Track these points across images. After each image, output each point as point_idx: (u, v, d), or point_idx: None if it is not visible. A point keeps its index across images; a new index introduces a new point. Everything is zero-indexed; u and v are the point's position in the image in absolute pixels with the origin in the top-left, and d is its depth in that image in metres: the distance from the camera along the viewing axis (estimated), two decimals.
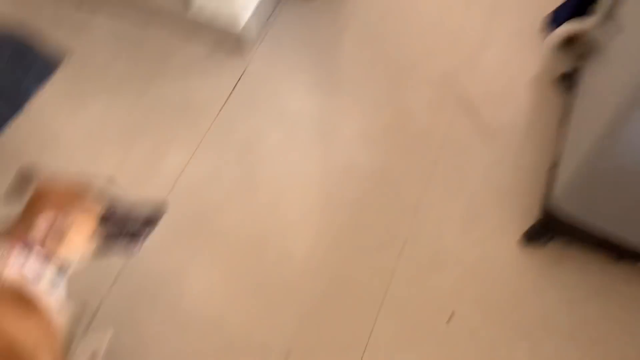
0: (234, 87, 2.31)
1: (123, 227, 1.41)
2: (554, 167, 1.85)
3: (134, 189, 1.88)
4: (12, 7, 2.54)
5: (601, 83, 1.72)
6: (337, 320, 1.81)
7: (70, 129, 2.20)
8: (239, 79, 2.33)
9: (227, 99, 2.28)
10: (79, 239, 1.35)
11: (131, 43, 2.42)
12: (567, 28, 2.19)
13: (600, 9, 2.02)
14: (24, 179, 1.39)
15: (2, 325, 1.21)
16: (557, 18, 2.31)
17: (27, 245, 1.28)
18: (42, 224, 1.28)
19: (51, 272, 1.31)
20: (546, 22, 2.38)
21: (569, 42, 2.22)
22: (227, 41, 2.34)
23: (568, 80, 2.17)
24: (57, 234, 1.30)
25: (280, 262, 1.93)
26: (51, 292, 1.31)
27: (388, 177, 2.09)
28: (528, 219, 1.95)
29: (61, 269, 1.34)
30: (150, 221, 1.44)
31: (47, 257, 1.30)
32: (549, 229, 1.84)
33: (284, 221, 2.01)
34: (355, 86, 2.30)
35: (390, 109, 2.24)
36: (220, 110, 2.25)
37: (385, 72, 2.33)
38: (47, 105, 2.28)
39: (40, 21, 2.48)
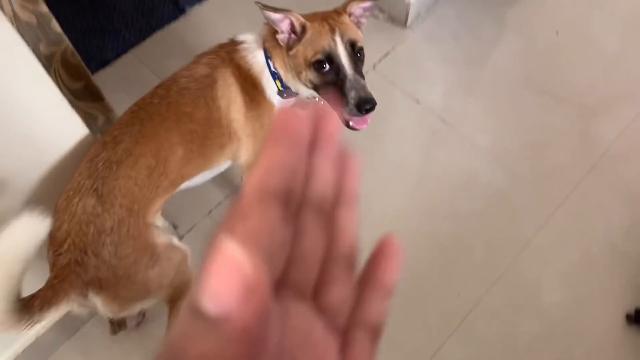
0: (382, 58, 2.24)
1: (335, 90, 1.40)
2: None
3: None
4: None
5: None
6: (408, 327, 1.77)
7: None
8: (388, 52, 2.25)
9: (371, 68, 2.21)
10: (299, 62, 1.40)
11: None
12: None
13: None
14: None
15: (224, 102, 1.40)
16: None
17: (267, 50, 1.43)
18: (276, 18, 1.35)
19: (275, 87, 1.47)
20: None
21: None
22: (395, 7, 2.25)
23: None
24: (284, 39, 1.38)
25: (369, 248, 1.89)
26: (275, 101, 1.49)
27: (507, 201, 1.97)
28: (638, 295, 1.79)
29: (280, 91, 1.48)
30: (347, 102, 1.40)
31: (275, 70, 1.44)
32: None
33: (388, 209, 1.96)
34: (501, 98, 2.16)
35: (531, 133, 2.09)
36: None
37: (537, 94, 2.16)
38: None
39: None
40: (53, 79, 1.69)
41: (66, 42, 1.65)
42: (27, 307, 1.12)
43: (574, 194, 1.98)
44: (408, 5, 2.19)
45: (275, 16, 1.34)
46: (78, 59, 1.73)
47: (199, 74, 1.42)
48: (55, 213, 1.25)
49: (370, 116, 1.46)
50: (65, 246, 1.21)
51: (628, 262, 1.87)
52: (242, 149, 1.52)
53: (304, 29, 1.37)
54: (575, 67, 2.22)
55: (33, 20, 1.52)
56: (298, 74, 1.42)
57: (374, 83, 2.13)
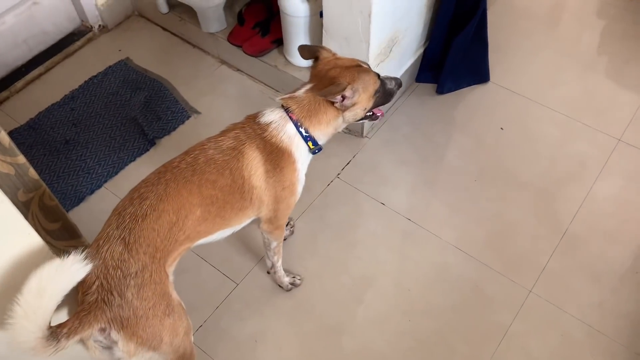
0: (345, 166, 2.38)
1: (386, 98, 1.76)
2: None
3: None
4: (157, 64, 2.80)
5: None
6: None
7: None
8: (350, 160, 2.40)
9: (334, 179, 2.34)
10: (359, 108, 1.67)
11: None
12: None
13: None
14: (308, 51, 1.74)
15: (253, 171, 1.59)
16: None
17: (298, 120, 1.62)
18: (344, 92, 1.59)
19: (305, 148, 1.66)
20: None
21: None
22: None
23: None
24: (349, 103, 1.63)
25: (358, 352, 1.91)
26: (302, 167, 1.70)
27: (480, 292, 2.03)
28: None
29: (311, 150, 1.68)
30: (391, 94, 1.78)
31: (307, 134, 1.64)
32: None
33: (369, 311, 2.00)
34: (461, 193, 2.29)
35: (494, 225, 2.20)
36: (325, 188, 2.31)
37: (495, 185, 2.31)
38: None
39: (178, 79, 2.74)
40: (31, 222, 1.76)
41: (43, 186, 1.74)
42: (55, 334, 1.26)
43: (541, 278, 2.06)
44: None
45: (347, 97, 1.61)
46: (54, 200, 1.80)
47: (226, 146, 1.59)
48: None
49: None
50: (94, 287, 1.36)
51: (605, 340, 1.92)
52: (263, 209, 1.70)
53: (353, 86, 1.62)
54: (522, 157, 2.39)
55: (11, 171, 1.60)
56: (355, 116, 1.69)
57: (340, 190, 2.27)
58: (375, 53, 2.16)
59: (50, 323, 1.25)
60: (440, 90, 2.61)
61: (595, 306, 1.99)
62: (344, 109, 1.65)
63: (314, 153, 1.72)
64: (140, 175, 2.29)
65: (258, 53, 2.60)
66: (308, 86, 1.68)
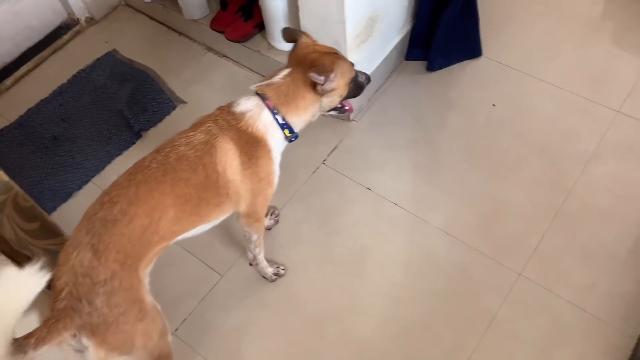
0: (331, 152, 2.33)
1: (357, 90, 1.73)
2: None
3: None
4: (144, 55, 2.77)
5: None
6: None
7: None
8: (336, 146, 2.35)
9: (320, 165, 2.30)
10: (336, 94, 1.64)
11: None
12: None
13: None
14: (290, 34, 1.72)
15: (229, 163, 1.55)
16: None
17: (274, 107, 1.58)
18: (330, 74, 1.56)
19: (281, 136, 1.63)
20: None
21: None
22: None
23: None
24: (329, 87, 1.59)
25: (342, 341, 1.88)
26: (277, 157, 1.67)
27: (467, 277, 1.98)
28: (616, 357, 1.76)
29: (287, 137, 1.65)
30: (362, 87, 1.76)
31: (284, 122, 1.60)
32: None
33: (354, 299, 1.97)
34: (450, 174, 2.22)
35: (483, 206, 2.13)
36: (311, 175, 2.27)
37: (485, 165, 2.23)
38: None
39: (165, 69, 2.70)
40: (6, 224, 1.77)
41: (15, 188, 1.74)
42: (22, 346, 1.24)
43: (532, 259, 1.99)
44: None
45: (329, 78, 1.58)
46: (30, 201, 1.81)
47: (198, 141, 1.54)
48: (56, 266, 1.38)
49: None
50: (63, 294, 1.34)
51: (598, 323, 1.85)
52: (241, 202, 1.66)
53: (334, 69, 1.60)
54: (514, 134, 2.30)
55: None
56: (331, 103, 1.66)
57: (325, 177, 2.22)
58: (354, 33, 2.08)
59: (14, 336, 1.23)
60: (431, 68, 2.52)
61: (587, 288, 1.92)
62: (323, 93, 1.61)
63: (289, 141, 1.69)
64: (127, 168, 2.30)
65: (241, 38, 2.55)
66: (286, 71, 1.64)
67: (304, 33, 1.71)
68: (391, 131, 2.37)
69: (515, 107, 2.38)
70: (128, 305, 1.38)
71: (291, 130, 1.64)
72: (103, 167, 2.41)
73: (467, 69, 2.53)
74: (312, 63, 1.59)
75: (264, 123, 1.59)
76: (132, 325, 1.39)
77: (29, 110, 2.63)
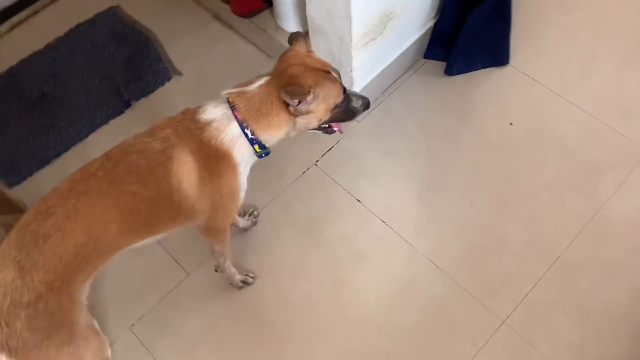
0: (326, 152, 2.15)
1: (347, 116, 1.53)
2: None
3: None
4: (147, 15, 2.58)
5: None
6: None
7: None
8: (333, 146, 2.17)
9: (311, 166, 2.13)
10: (313, 118, 1.45)
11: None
12: None
13: None
14: (290, 37, 1.52)
15: (187, 178, 1.40)
16: None
17: (244, 120, 1.41)
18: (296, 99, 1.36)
19: (250, 151, 1.46)
20: None
21: None
22: None
23: None
24: (305, 109, 1.40)
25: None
26: (244, 171, 1.50)
27: (445, 315, 1.83)
28: None
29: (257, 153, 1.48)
30: (355, 113, 1.54)
31: (254, 137, 1.43)
32: None
33: (321, 322, 1.84)
34: (448, 196, 2.03)
35: (478, 239, 1.95)
36: (300, 176, 2.11)
37: (489, 191, 2.03)
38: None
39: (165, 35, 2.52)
40: None
41: None
42: None
43: (520, 307, 1.82)
44: None
45: (305, 100, 1.38)
46: None
47: (153, 150, 1.38)
48: None
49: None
50: None
51: None
52: (199, 217, 1.51)
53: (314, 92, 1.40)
54: (528, 161, 2.08)
55: None
56: (307, 125, 1.47)
57: (315, 180, 2.07)
58: (362, 31, 1.86)
59: None
60: (449, 71, 2.29)
61: (574, 348, 1.76)
62: (297, 114, 1.42)
63: (260, 157, 1.51)
64: (110, 140, 2.15)
65: (247, 13, 2.35)
66: (263, 80, 1.45)
67: (300, 39, 1.50)
68: (393, 137, 2.17)
69: (534, 129, 2.15)
70: (53, 329, 1.27)
71: (261, 146, 1.47)
72: (86, 136, 2.29)
73: (489, 77, 2.28)
74: (289, 79, 1.39)
75: (231, 136, 1.42)
76: (57, 349, 1.29)
77: (21, 61, 2.50)
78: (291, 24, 2.19)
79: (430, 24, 2.23)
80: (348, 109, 1.50)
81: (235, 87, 1.46)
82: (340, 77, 1.50)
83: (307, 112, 1.43)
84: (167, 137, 1.40)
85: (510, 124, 2.17)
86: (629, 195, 1.99)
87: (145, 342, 1.84)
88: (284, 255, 1.97)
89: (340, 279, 1.91)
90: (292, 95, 1.35)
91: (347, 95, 1.49)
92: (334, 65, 1.51)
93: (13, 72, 2.47)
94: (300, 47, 1.49)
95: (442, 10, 2.17)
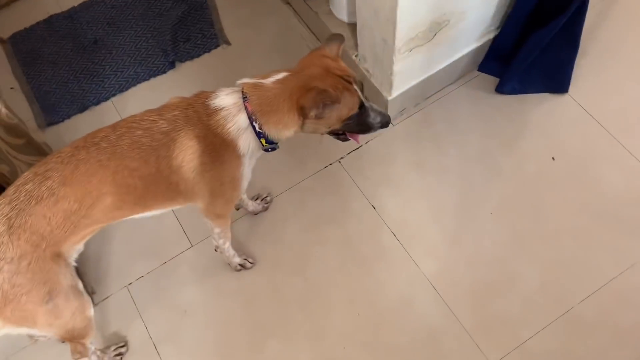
0: (352, 150, 2.09)
1: (362, 128, 1.47)
2: None
3: None
4: None
5: None
6: None
7: None
8: (361, 145, 2.10)
9: (334, 162, 2.08)
10: (323, 124, 1.41)
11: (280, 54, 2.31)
12: None
13: None
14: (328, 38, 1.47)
15: (191, 164, 1.39)
16: None
17: (253, 113, 1.38)
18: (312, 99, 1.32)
19: (256, 144, 1.44)
20: None
21: None
22: (375, 101, 2.09)
23: None
24: (313, 114, 1.36)
25: None
26: (249, 162, 1.48)
27: (434, 344, 1.76)
28: None
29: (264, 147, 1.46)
30: (370, 128, 1.47)
31: (261, 131, 1.40)
32: None
33: (308, 324, 1.82)
34: (467, 222, 1.94)
35: (487, 272, 1.85)
36: (320, 170, 2.07)
37: (511, 225, 1.92)
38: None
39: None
40: None
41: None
42: None
43: (513, 354, 1.73)
44: (386, 101, 2.02)
45: (320, 105, 1.35)
46: (15, 120, 1.76)
47: (158, 130, 1.39)
48: None
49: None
50: None
51: None
52: (197, 200, 1.52)
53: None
54: (562, 202, 1.94)
55: None
56: (315, 130, 1.44)
57: (335, 177, 2.03)
58: (407, 37, 1.77)
59: None
60: (501, 89, 2.15)
61: None
62: (306, 117, 1.38)
63: (266, 150, 1.49)
64: (148, 97, 2.20)
65: None
66: (280, 75, 1.41)
67: (337, 43, 1.45)
68: (426, 149, 2.08)
69: (577, 169, 1.99)
70: (33, 286, 1.32)
71: (268, 140, 1.44)
72: (127, 89, 2.33)
73: (542, 103, 2.13)
74: (307, 80, 1.35)
75: (238, 126, 1.40)
76: (35, 305, 1.34)
77: (83, 3, 2.55)
78: (343, 13, 2.11)
79: (490, 36, 2.08)
80: (363, 122, 1.44)
81: (253, 77, 1.43)
82: (362, 89, 1.44)
83: (320, 118, 1.38)
84: (175, 118, 1.40)
85: (553, 158, 2.02)
86: None
87: (137, 303, 1.89)
88: (286, 247, 1.95)
89: (337, 284, 1.88)
90: (309, 100, 1.31)
91: (365, 109, 1.42)
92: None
93: (73, 13, 2.53)
94: (330, 51, 1.44)
95: (505, 24, 2.02)
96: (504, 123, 2.11)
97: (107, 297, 1.90)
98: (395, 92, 1.99)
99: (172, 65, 2.35)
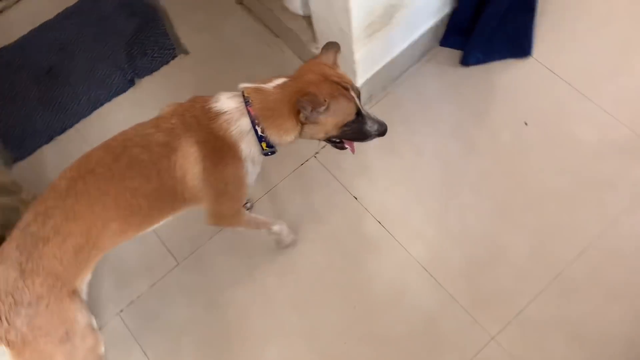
0: (325, 146, 2.05)
1: (359, 136, 1.47)
2: None
3: None
4: None
5: None
6: None
7: None
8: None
9: (313, 156, 2.06)
10: (320, 130, 1.42)
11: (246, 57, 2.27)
12: None
13: None
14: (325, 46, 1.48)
15: (191, 169, 1.38)
16: None
17: (256, 117, 1.39)
18: (307, 102, 1.33)
19: (257, 148, 1.44)
20: None
21: None
22: None
23: None
24: (313, 118, 1.37)
25: None
26: (251, 168, 1.48)
27: (433, 327, 1.76)
28: None
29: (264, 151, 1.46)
30: (368, 136, 1.47)
31: (263, 135, 1.41)
32: None
33: (305, 323, 1.81)
34: (446, 201, 1.93)
35: (476, 248, 1.85)
36: (298, 167, 2.04)
37: (494, 197, 1.92)
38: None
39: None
40: None
41: None
42: None
43: (512, 324, 1.74)
44: None
45: (316, 110, 1.35)
46: None
47: (156, 143, 1.38)
48: None
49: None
50: None
51: None
52: (202, 203, 1.51)
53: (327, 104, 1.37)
54: (540, 166, 1.94)
55: None
56: (313, 135, 1.45)
57: (312, 174, 2.01)
58: (364, 23, 1.74)
59: None
60: (465, 61, 2.14)
61: None
62: (306, 121, 1.39)
63: (265, 154, 1.50)
64: (112, 119, 2.14)
65: None
66: (280, 81, 1.43)
67: (334, 51, 1.47)
68: (398, 133, 2.06)
69: (550, 132, 1.99)
70: (52, 328, 1.31)
71: (269, 144, 1.45)
72: (90, 113, 2.28)
73: (508, 70, 2.12)
74: (304, 85, 1.37)
75: (241, 130, 1.41)
76: (54, 346, 1.32)
77: (32, 31, 2.48)
78: (296, 6, 2.07)
79: (446, 10, 2.07)
80: (360, 130, 1.45)
81: (253, 82, 1.44)
82: (359, 97, 1.44)
83: (316, 123, 1.39)
84: (172, 127, 1.40)
85: (525, 123, 2.02)
86: None
87: (132, 329, 1.87)
88: (272, 250, 1.92)
89: (328, 280, 1.87)
90: (308, 102, 1.32)
91: (362, 117, 1.44)
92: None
93: (23, 43, 2.46)
94: (327, 59, 1.46)
95: None
96: (472, 95, 2.10)
97: (100, 328, 1.87)
98: (361, 80, 1.97)
99: (131, 83, 2.30)
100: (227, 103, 1.41)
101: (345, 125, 1.42)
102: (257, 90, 1.41)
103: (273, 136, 1.43)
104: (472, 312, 1.76)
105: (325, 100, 1.34)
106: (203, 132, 1.39)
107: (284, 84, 1.41)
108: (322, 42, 1.96)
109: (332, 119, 1.39)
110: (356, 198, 1.98)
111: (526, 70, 2.11)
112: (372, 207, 1.95)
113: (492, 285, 1.80)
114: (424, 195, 1.96)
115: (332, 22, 1.77)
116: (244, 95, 1.41)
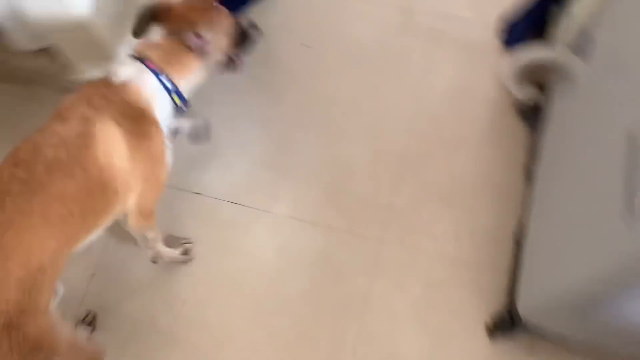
0: None
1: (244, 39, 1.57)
2: (519, 230, 1.62)
3: None
4: None
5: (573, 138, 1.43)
6: None
7: None
8: None
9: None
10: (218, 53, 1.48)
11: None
12: (526, 56, 1.83)
13: (564, 33, 1.67)
14: (144, 17, 1.42)
15: (106, 152, 1.26)
16: (513, 36, 1.94)
17: (158, 69, 1.38)
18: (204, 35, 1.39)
19: (170, 104, 1.42)
20: (500, 37, 2.01)
21: (531, 71, 1.87)
22: None
23: (532, 115, 1.85)
24: (210, 48, 1.43)
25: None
26: (165, 127, 1.42)
27: (329, 264, 1.78)
28: (493, 300, 1.70)
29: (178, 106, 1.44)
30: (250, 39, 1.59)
31: (172, 85, 1.40)
32: (515, 324, 1.59)
33: (213, 332, 1.72)
34: (282, 149, 1.95)
35: (326, 176, 1.90)
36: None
37: (316, 127, 1.97)
38: None
39: None
40: None
41: None
42: None
43: (388, 220, 1.82)
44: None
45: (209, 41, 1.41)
46: None
47: (70, 134, 1.25)
48: None
49: None
50: None
51: (468, 269, 1.76)
52: (130, 195, 1.39)
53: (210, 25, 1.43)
54: (340, 78, 2.03)
55: None
56: (220, 62, 1.52)
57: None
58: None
59: None
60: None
61: (450, 234, 1.81)
62: (203, 54, 1.44)
63: (180, 112, 1.47)
64: None
65: None
66: (160, 31, 1.42)
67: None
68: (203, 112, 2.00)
69: (331, 40, 2.08)
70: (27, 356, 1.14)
71: (181, 96, 1.44)
72: None
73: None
74: (184, 22, 1.41)
75: (150, 90, 1.36)
76: None
77: None
78: (23, 42, 1.86)
79: None
80: (243, 35, 1.56)
81: (137, 45, 1.41)
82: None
83: (212, 51, 1.45)
84: (82, 115, 1.26)
85: (307, 46, 2.08)
86: (443, 65, 2.02)
87: None
88: (145, 291, 1.78)
89: (212, 280, 1.78)
90: (191, 35, 1.38)
91: (239, 23, 1.55)
92: None
93: None
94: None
95: None
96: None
97: None
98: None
99: None
100: (127, 70, 1.37)
101: (233, 35, 1.51)
102: (147, 45, 1.41)
103: (181, 81, 1.43)
104: (353, 230, 1.82)
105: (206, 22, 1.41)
106: (116, 108, 1.31)
107: (163, 30, 1.41)
108: (77, 62, 1.81)
109: (222, 35, 1.47)
110: (199, 193, 1.90)
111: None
112: (219, 192, 1.89)
113: (356, 198, 1.87)
114: (259, 158, 1.94)
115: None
116: (138, 56, 1.39)
